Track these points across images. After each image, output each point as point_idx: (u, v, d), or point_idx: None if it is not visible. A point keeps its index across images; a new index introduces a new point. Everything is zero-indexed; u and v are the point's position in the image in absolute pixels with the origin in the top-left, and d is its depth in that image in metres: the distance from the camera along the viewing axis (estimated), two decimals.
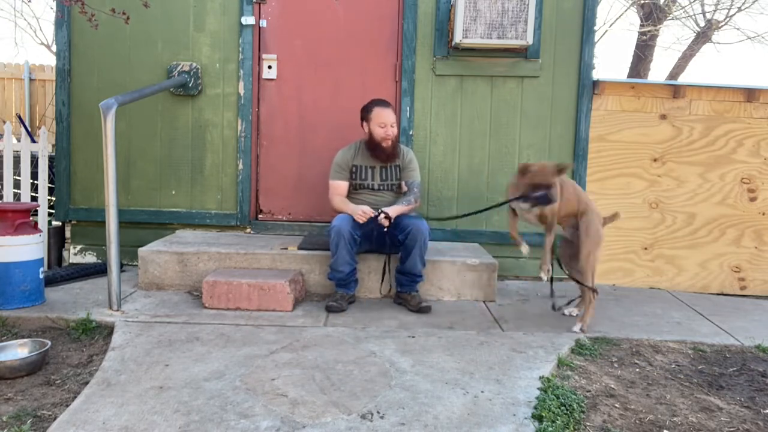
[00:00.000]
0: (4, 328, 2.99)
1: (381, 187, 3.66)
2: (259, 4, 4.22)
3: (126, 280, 3.76)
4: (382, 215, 3.41)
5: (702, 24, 9.90)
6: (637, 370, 2.75)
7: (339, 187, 3.65)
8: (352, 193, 3.66)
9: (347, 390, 2.34)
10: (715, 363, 2.87)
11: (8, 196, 4.11)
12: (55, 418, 2.10)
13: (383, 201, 3.62)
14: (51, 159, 4.45)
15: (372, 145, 3.59)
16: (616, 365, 2.79)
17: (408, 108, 4.22)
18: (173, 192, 4.31)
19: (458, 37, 3.95)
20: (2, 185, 4.21)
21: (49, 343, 2.64)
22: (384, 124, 3.54)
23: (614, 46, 21.31)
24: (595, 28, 4.23)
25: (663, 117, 4.30)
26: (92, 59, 4.23)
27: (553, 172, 3.06)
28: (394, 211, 3.47)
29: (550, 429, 2.07)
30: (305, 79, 4.31)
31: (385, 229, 3.44)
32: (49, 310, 3.17)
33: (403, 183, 3.67)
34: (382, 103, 3.61)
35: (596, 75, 4.43)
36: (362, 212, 3.40)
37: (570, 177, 4.23)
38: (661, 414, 2.30)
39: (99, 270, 3.97)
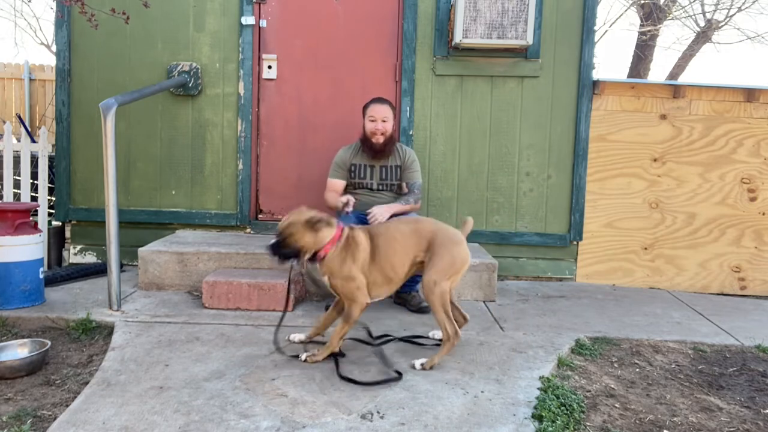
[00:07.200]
0: (4, 328, 2.99)
1: (380, 187, 3.65)
2: (259, 4, 4.22)
3: (126, 280, 3.76)
4: (350, 205, 3.34)
5: (702, 24, 9.91)
6: (637, 370, 2.75)
7: (334, 184, 3.68)
8: (352, 193, 3.66)
9: (347, 390, 2.34)
10: (715, 363, 2.87)
11: (8, 196, 4.11)
12: (55, 418, 2.10)
13: (381, 201, 3.61)
14: (51, 159, 4.45)
15: (363, 140, 3.63)
16: (616, 365, 2.79)
17: (408, 108, 4.22)
18: (173, 192, 4.31)
19: (458, 37, 3.95)
20: (2, 185, 4.21)
21: (49, 343, 2.64)
22: (374, 117, 3.56)
23: (614, 46, 21.31)
24: (595, 28, 4.23)
25: (663, 117, 4.30)
26: (92, 59, 4.24)
27: (301, 227, 2.54)
28: (388, 209, 3.42)
29: (550, 429, 2.07)
30: (305, 79, 4.31)
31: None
32: (49, 310, 3.17)
33: (404, 184, 3.67)
34: (378, 100, 3.65)
35: (596, 75, 4.43)
36: (345, 200, 3.37)
37: (570, 177, 4.26)
38: (661, 414, 2.30)
39: (99, 270, 3.97)
